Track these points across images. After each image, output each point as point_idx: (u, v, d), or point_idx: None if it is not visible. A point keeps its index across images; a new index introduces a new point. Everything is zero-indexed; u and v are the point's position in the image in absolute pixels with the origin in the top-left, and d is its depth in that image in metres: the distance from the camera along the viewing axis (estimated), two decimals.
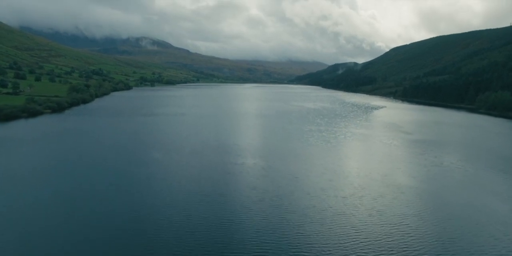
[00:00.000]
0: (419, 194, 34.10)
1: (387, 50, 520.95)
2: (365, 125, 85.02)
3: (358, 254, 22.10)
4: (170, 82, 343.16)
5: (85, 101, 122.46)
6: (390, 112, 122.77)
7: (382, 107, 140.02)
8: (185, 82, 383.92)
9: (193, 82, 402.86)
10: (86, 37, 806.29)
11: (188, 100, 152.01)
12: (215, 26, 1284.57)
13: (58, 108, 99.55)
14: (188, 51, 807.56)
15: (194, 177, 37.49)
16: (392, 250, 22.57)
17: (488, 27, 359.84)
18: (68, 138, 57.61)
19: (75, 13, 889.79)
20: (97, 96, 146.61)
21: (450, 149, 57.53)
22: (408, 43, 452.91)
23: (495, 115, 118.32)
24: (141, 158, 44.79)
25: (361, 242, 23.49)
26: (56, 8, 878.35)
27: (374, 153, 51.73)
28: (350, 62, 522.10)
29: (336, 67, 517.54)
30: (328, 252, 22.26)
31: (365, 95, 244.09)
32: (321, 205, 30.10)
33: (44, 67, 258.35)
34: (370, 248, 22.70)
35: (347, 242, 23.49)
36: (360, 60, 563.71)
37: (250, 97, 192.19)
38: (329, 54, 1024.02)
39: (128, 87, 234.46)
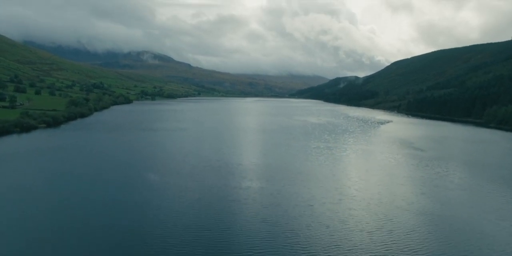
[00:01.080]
0: (457, 226, 29.29)
1: (387, 64, 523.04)
2: (375, 141, 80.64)
3: None
4: (171, 96, 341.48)
5: (83, 115, 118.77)
6: (398, 127, 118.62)
7: (388, 122, 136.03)
8: (186, 96, 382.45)
9: (194, 96, 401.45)
10: (88, 51, 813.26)
11: (189, 115, 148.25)
12: (215, 41, 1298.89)
13: (53, 122, 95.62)
14: (189, 65, 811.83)
15: (193, 205, 32.77)
16: None
17: (486, 41, 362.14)
18: (56, 156, 53.19)
19: (77, 27, 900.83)
20: (96, 110, 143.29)
21: (473, 168, 52.83)
22: (407, 57, 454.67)
23: (507, 130, 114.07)
24: (134, 181, 40.17)
25: None
26: (59, 23, 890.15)
27: (392, 174, 47.08)
28: (351, 76, 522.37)
29: (337, 81, 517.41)
30: None
31: (368, 109, 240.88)
32: (344, 243, 25.31)
33: (45, 81, 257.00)
34: None
35: None
36: (361, 74, 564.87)
37: (252, 111, 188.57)
38: (329, 68, 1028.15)
39: (128, 101, 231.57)
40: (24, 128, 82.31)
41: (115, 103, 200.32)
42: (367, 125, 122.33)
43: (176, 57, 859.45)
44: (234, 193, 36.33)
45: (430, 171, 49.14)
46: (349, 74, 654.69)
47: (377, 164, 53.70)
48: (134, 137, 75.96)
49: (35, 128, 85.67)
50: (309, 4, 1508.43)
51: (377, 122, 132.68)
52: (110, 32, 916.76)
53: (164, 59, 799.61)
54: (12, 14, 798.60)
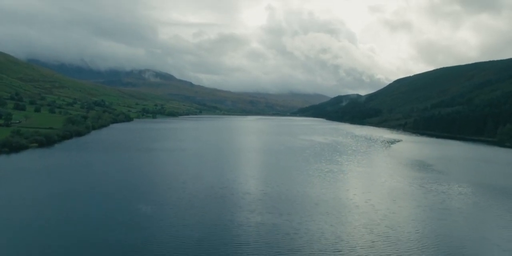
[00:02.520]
0: None
1: (387, 82, 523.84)
2: (391, 163, 74.29)
3: None
4: (172, 114, 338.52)
5: (79, 134, 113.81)
6: (410, 147, 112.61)
7: (398, 141, 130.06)
8: (187, 114, 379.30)
9: (195, 114, 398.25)
10: (91, 69, 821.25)
11: (189, 133, 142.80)
12: (217, 59, 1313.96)
13: (46, 141, 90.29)
14: (191, 83, 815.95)
15: (192, 250, 26.37)
16: None
17: (485, 60, 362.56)
18: (33, 181, 47.12)
19: (81, 46, 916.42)
20: (94, 128, 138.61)
21: None
22: (407, 75, 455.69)
23: None
24: (121, 214, 33.80)
25: None
26: (63, 41, 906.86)
27: (425, 205, 40.44)
28: (353, 94, 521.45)
29: (339, 99, 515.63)
30: None
31: (373, 127, 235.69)
32: None
33: (46, 98, 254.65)
34: None
35: None
36: (361, 92, 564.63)
37: (254, 130, 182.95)
38: (329, 86, 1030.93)
39: (128, 119, 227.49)
40: (13, 148, 76.99)
41: (115, 121, 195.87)
42: (377, 144, 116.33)
43: (177, 76, 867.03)
44: (242, 233, 29.88)
45: (467, 200, 42.63)
46: (349, 92, 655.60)
47: (402, 191, 47.20)
48: (129, 159, 69.97)
49: (26, 147, 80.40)
50: (308, 24, 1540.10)
51: (387, 142, 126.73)
52: (112, 51, 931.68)
53: (166, 77, 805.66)
54: (16, 33, 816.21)
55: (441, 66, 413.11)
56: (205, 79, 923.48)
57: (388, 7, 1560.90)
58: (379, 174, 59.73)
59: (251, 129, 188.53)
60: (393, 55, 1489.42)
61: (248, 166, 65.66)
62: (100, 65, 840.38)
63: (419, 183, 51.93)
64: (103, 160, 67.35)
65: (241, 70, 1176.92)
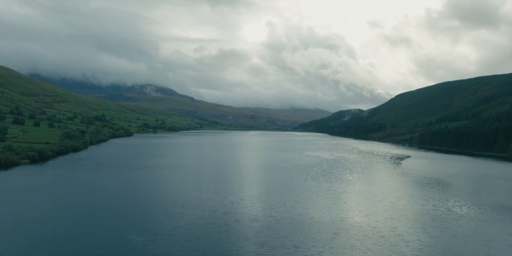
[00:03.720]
0: None
1: (388, 97, 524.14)
2: (407, 182, 68.87)
3: None
4: (173, 129, 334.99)
5: (76, 149, 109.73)
6: (421, 163, 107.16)
7: (407, 157, 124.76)
8: (188, 129, 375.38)
9: (196, 129, 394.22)
10: (92, 84, 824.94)
11: (190, 149, 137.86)
12: (218, 74, 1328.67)
13: (39, 157, 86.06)
14: (192, 98, 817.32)
15: None
16: None
17: (484, 74, 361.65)
18: (12, 202, 42.02)
19: (83, 61, 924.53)
20: (92, 143, 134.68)
21: None
22: (407, 90, 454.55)
23: None
24: (110, 248, 28.64)
25: None
26: (65, 56, 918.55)
27: (463, 235, 35.06)
28: (355, 109, 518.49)
29: (341, 114, 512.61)
30: None
31: (377, 142, 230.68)
32: None
33: (46, 113, 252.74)
34: None
35: None
36: (362, 107, 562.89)
37: (257, 146, 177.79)
38: (330, 101, 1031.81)
39: (129, 134, 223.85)
40: (2, 164, 72.59)
41: (115, 136, 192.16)
42: (386, 161, 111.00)
43: (179, 90, 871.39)
44: None
45: (509, 229, 37.13)
46: (350, 107, 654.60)
47: (429, 217, 41.70)
48: (123, 178, 64.79)
49: (16, 164, 76.19)
50: (308, 39, 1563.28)
51: (395, 157, 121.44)
52: (114, 66, 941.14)
53: (167, 92, 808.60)
54: (19, 48, 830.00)
55: (441, 81, 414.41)
56: (206, 94, 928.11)
57: (387, 23, 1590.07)
58: (397, 195, 54.31)
59: (253, 145, 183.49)
60: (393, 70, 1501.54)
61: (253, 187, 60.21)
62: (102, 80, 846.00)
63: (445, 207, 46.49)
64: (95, 179, 62.23)
65: (242, 85, 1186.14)
